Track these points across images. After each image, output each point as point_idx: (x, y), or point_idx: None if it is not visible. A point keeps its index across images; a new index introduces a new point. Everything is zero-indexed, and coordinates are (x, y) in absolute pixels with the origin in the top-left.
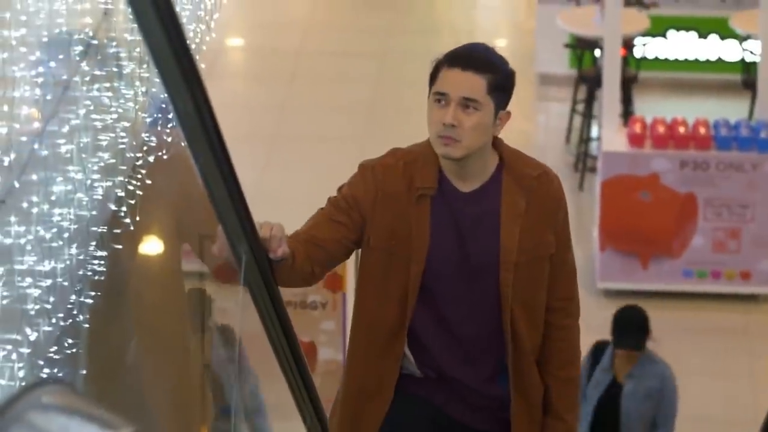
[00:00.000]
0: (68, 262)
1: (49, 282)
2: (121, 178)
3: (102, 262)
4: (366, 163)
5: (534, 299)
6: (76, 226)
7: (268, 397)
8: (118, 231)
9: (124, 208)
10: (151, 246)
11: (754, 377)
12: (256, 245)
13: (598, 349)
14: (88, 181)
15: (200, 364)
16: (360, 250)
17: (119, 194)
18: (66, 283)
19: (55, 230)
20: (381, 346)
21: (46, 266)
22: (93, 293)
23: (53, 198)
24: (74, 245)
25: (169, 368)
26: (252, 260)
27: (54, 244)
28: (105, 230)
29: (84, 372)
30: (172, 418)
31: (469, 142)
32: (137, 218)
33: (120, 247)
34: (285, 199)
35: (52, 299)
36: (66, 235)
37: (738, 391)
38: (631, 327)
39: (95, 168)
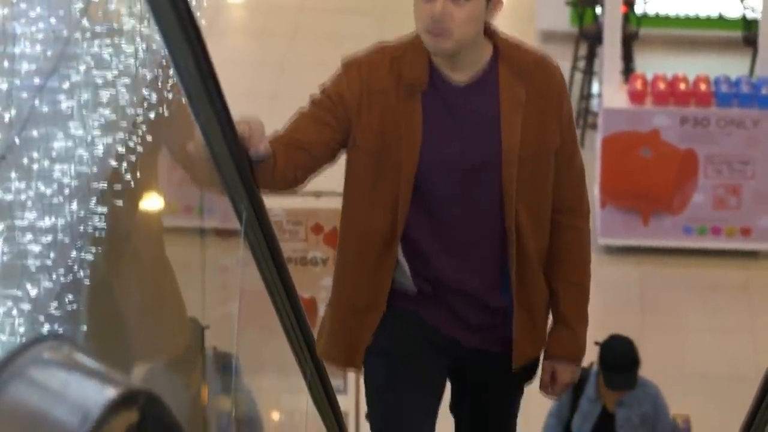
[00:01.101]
0: (69, 218)
1: (49, 238)
2: (122, 135)
3: (103, 218)
4: (350, 59)
5: (539, 200)
6: (76, 183)
7: (269, 354)
8: (119, 187)
9: (124, 165)
10: (150, 202)
11: (754, 333)
12: (256, 202)
13: (579, 377)
14: (89, 138)
15: (199, 320)
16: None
17: (120, 150)
18: (67, 240)
19: (55, 186)
20: (373, 257)
21: (47, 222)
22: (94, 249)
23: (54, 154)
24: (75, 201)
25: (165, 322)
26: (253, 217)
27: (54, 200)
28: (105, 186)
29: (85, 328)
30: (169, 373)
31: (460, 34)
32: (138, 175)
33: (120, 203)
34: None
35: (52, 255)
36: (66, 191)
37: (739, 348)
38: (622, 367)
39: (96, 124)
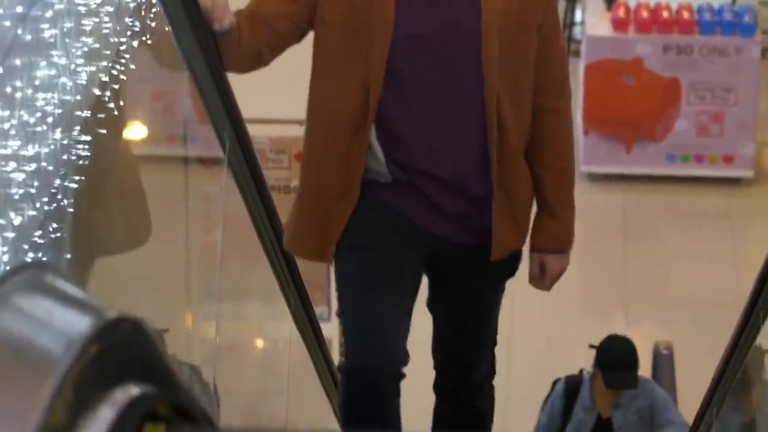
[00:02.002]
0: (52, 147)
1: (33, 166)
2: (105, 63)
3: (86, 146)
4: None
5: (520, 80)
6: (60, 111)
7: (252, 280)
8: (102, 116)
9: (108, 93)
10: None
11: (736, 260)
12: (240, 130)
13: (572, 384)
14: (72, 66)
15: (184, 246)
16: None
17: (103, 79)
18: (50, 168)
19: (39, 115)
20: (344, 140)
21: (30, 151)
22: (77, 177)
23: (37, 83)
24: (58, 130)
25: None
26: (236, 145)
27: (38, 129)
28: (89, 115)
29: (68, 256)
30: (154, 299)
31: None
32: (121, 103)
33: (104, 131)
34: (268, 81)
35: (36, 183)
36: (50, 119)
37: (721, 274)
38: (624, 365)
39: (79, 53)
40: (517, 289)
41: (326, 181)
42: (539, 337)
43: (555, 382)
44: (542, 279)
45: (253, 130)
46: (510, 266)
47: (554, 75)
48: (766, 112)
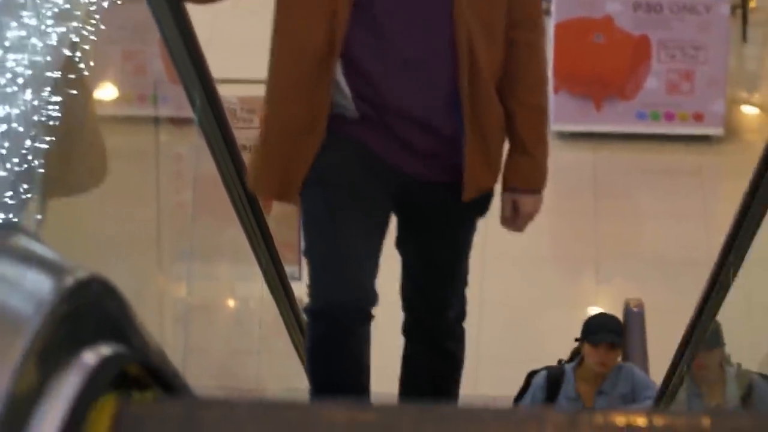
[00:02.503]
0: (23, 108)
1: (3, 127)
2: (76, 24)
3: (57, 107)
4: None
5: (492, 11)
6: (30, 72)
7: (224, 241)
8: (73, 76)
9: (78, 54)
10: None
11: (707, 218)
12: (210, 90)
13: (553, 375)
14: (42, 27)
15: (156, 207)
16: None
17: (74, 40)
18: (21, 129)
19: (9, 76)
20: (309, 75)
21: (1, 112)
22: (48, 138)
23: (7, 44)
24: (29, 91)
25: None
26: (206, 105)
27: (8, 90)
28: (59, 76)
29: (39, 217)
30: (125, 260)
31: None
32: (92, 63)
33: (75, 92)
34: (239, 43)
35: (6, 144)
36: (20, 80)
37: (691, 232)
38: (609, 326)
39: (49, 14)
40: (487, 248)
41: (291, 118)
42: (510, 296)
43: (530, 375)
44: (515, 220)
45: (223, 90)
46: (482, 205)
47: (528, 7)
48: (736, 69)
